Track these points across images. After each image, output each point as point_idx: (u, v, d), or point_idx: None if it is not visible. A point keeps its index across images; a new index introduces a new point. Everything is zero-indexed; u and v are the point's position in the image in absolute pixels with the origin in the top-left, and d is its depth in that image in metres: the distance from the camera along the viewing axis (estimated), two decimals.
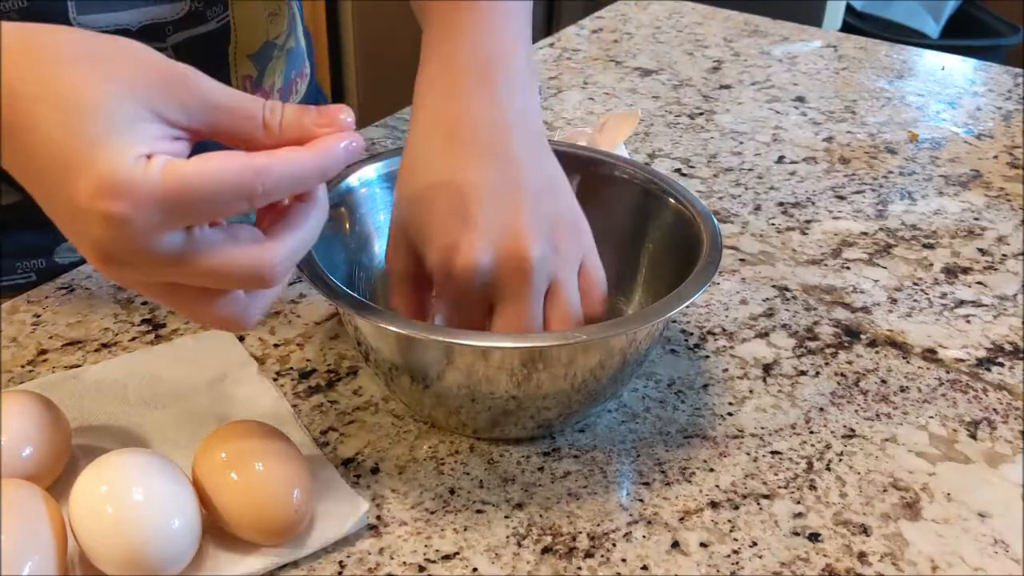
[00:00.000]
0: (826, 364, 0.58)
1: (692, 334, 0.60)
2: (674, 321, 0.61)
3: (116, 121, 0.35)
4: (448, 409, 0.49)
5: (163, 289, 0.38)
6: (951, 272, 0.68)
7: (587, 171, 0.58)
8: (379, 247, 0.57)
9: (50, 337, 0.57)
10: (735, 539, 0.46)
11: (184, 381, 0.53)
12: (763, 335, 0.60)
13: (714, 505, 0.48)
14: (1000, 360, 0.59)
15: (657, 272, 0.56)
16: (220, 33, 0.64)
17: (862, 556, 0.45)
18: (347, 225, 0.55)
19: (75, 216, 0.35)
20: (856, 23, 2.44)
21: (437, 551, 0.45)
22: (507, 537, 0.45)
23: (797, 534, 0.46)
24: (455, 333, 0.44)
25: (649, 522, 0.46)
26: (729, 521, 0.47)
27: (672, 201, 0.55)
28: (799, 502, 0.48)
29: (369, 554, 0.44)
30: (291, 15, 0.73)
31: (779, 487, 0.49)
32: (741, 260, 0.68)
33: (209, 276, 0.37)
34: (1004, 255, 0.70)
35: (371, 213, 0.57)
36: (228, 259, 0.37)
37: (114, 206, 0.34)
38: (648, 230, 0.57)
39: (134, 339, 0.57)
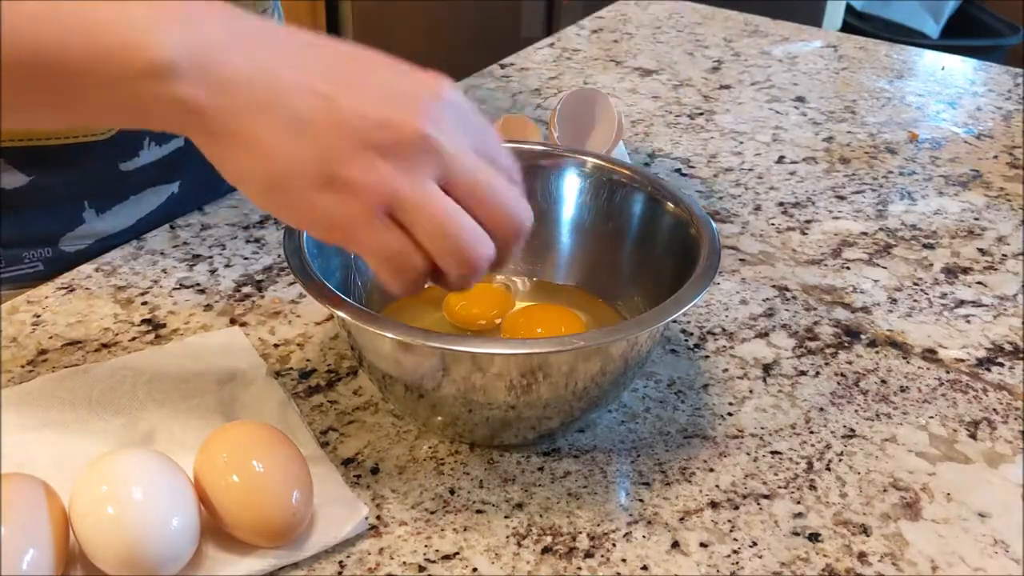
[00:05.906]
0: (826, 364, 0.58)
1: (692, 334, 0.60)
2: (674, 321, 0.61)
3: None
4: (445, 419, 0.49)
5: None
6: (951, 272, 0.68)
7: (584, 173, 0.58)
8: None
9: (50, 337, 0.57)
10: (735, 539, 0.46)
11: (193, 380, 0.53)
12: (763, 335, 0.60)
13: (714, 505, 0.48)
14: (1000, 360, 0.59)
15: (655, 275, 0.55)
16: None
17: (862, 556, 0.45)
18: None
19: (411, 94, 0.41)
20: (856, 23, 2.44)
21: (437, 551, 0.45)
22: (507, 537, 0.45)
23: (797, 534, 0.46)
24: (447, 339, 0.44)
25: (649, 522, 0.46)
26: (729, 521, 0.47)
27: (669, 204, 0.55)
28: (799, 502, 0.48)
29: (369, 554, 0.44)
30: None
31: (779, 487, 0.49)
32: (741, 260, 0.68)
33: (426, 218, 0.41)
34: (1004, 255, 0.70)
35: None
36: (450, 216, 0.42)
37: (450, 93, 0.42)
38: (646, 232, 0.57)
39: (134, 339, 0.57)
